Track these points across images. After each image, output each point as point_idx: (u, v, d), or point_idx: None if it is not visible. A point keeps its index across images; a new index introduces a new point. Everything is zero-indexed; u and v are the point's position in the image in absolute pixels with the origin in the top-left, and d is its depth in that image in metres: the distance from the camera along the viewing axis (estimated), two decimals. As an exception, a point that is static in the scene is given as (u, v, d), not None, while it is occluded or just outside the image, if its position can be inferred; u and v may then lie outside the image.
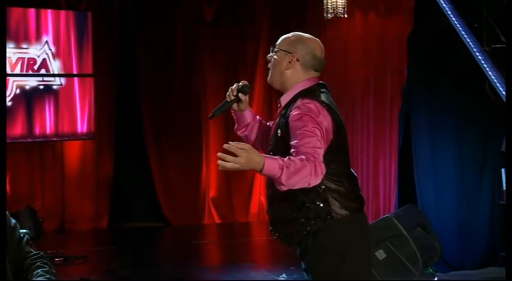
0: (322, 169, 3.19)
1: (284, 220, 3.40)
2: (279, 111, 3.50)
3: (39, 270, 3.48)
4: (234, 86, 3.56)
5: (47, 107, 8.62)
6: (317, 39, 3.53)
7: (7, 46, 8.04)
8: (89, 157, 9.17)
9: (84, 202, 9.11)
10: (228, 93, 3.56)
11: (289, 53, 3.45)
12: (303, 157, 3.16)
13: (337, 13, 7.43)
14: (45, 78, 8.64)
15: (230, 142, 3.13)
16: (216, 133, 9.55)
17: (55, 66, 8.66)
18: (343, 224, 3.34)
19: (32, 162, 8.90)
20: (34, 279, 3.44)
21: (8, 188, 8.30)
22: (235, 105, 3.59)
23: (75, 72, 8.78)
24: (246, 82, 3.57)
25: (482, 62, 6.09)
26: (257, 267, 7.30)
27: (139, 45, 9.33)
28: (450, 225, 6.80)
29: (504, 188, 6.47)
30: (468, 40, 6.22)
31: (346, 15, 7.57)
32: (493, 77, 6.02)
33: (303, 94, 3.38)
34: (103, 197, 9.23)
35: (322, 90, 3.44)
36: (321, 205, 3.31)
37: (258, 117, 3.69)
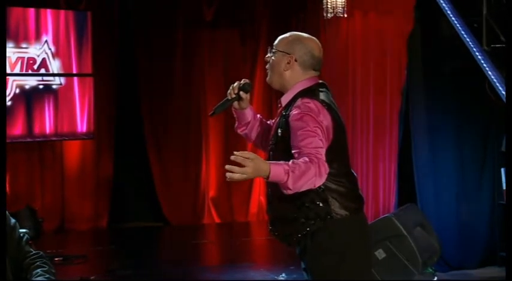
0: (325, 169, 3.20)
1: (284, 219, 3.40)
2: (279, 111, 3.50)
3: (38, 270, 3.47)
4: (236, 84, 3.55)
5: (46, 107, 8.62)
6: (314, 38, 3.52)
7: (7, 46, 8.03)
8: (89, 156, 9.17)
9: (83, 201, 9.11)
10: (229, 91, 3.55)
11: (287, 53, 3.44)
12: (306, 158, 3.16)
13: (336, 13, 7.42)
14: (45, 78, 8.64)
15: (235, 152, 3.11)
16: (216, 133, 9.55)
17: (55, 65, 8.66)
18: (343, 224, 3.34)
19: (31, 162, 8.90)
20: (34, 279, 3.44)
21: (7, 188, 8.30)
22: (236, 104, 3.58)
23: (74, 72, 8.78)
24: (247, 80, 3.56)
25: (482, 61, 6.09)
26: (256, 267, 7.30)
27: (139, 45, 9.33)
28: (450, 225, 6.80)
29: (504, 187, 6.47)
30: (468, 40, 6.22)
31: (345, 15, 7.56)
32: (492, 77, 6.02)
33: (303, 94, 3.38)
34: (103, 197, 9.23)
35: (322, 89, 3.44)
36: (321, 204, 3.31)
37: (258, 115, 3.69)
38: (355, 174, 3.48)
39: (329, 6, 7.40)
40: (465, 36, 6.24)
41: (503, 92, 5.87)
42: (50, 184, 8.97)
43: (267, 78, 3.54)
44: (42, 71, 8.60)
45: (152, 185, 9.44)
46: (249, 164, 3.08)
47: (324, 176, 3.20)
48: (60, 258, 7.26)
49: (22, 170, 8.82)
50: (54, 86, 8.69)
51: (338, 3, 7.39)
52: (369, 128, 7.91)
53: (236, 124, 3.68)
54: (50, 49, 8.60)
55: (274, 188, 3.30)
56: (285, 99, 3.46)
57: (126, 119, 9.37)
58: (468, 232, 6.82)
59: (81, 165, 9.14)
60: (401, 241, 6.09)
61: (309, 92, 3.39)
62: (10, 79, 8.37)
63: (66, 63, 8.71)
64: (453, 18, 6.33)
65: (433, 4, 6.48)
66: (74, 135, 8.85)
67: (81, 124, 8.81)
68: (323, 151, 3.23)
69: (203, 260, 8.01)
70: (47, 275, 3.46)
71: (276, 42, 3.51)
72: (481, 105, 6.73)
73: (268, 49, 3.53)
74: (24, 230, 3.66)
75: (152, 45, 9.37)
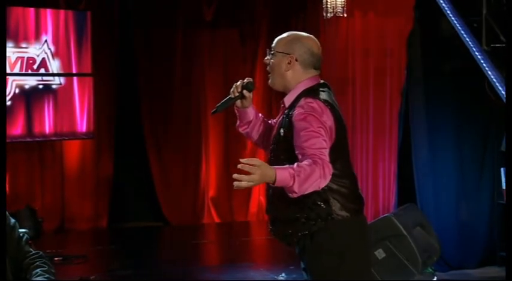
0: (329, 170, 3.20)
1: (284, 219, 3.40)
2: (282, 111, 3.49)
3: (38, 269, 3.48)
4: (239, 82, 3.54)
5: (46, 107, 8.62)
6: (312, 36, 3.52)
7: (7, 45, 8.03)
8: (89, 156, 9.17)
9: (83, 201, 9.11)
10: (232, 89, 3.54)
11: (287, 54, 3.44)
12: (310, 160, 3.16)
13: (336, 13, 7.42)
14: (45, 78, 8.64)
15: (241, 160, 3.11)
16: (216, 133, 9.56)
17: (54, 65, 8.66)
18: (344, 225, 3.34)
19: (31, 162, 8.90)
20: (33, 279, 3.44)
21: (7, 188, 8.30)
22: (238, 102, 3.57)
23: (74, 71, 8.78)
24: (251, 79, 3.55)
25: (482, 61, 6.09)
26: (256, 266, 7.30)
27: (139, 45, 9.33)
28: (449, 224, 6.80)
29: (504, 187, 6.47)
30: (467, 39, 6.22)
31: (345, 15, 7.56)
32: (492, 77, 6.02)
33: (306, 93, 3.38)
34: (102, 197, 9.23)
35: (324, 89, 3.44)
36: (322, 205, 3.31)
37: (260, 115, 3.68)
38: (355, 174, 3.48)
39: (329, 6, 7.41)
40: (465, 36, 6.23)
41: (503, 92, 5.87)
42: (50, 184, 8.97)
43: (269, 81, 3.52)
44: (42, 70, 8.60)
45: (152, 185, 9.44)
46: (256, 172, 3.08)
47: (328, 177, 3.20)
48: (60, 258, 7.26)
49: (22, 170, 8.82)
50: (53, 86, 8.69)
51: (338, 3, 7.39)
52: (368, 128, 7.91)
53: (238, 123, 3.67)
54: (49, 49, 8.60)
55: (274, 188, 3.30)
56: (288, 100, 3.45)
57: (126, 119, 9.37)
58: (468, 231, 6.82)
59: (81, 165, 9.14)
60: (401, 241, 6.09)
61: (311, 92, 3.38)
62: (10, 79, 8.37)
63: (65, 63, 8.71)
64: (453, 18, 6.33)
65: (432, 4, 6.48)
66: (74, 135, 8.85)
67: (81, 124, 8.82)
68: (326, 152, 3.23)
69: (203, 260, 8.01)
70: (47, 275, 3.46)
71: (274, 43, 3.50)
72: (480, 105, 6.73)
73: (267, 51, 3.52)
74: (24, 230, 3.66)
75: (152, 45, 9.37)
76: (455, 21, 6.31)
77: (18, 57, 8.45)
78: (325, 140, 3.24)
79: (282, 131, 3.39)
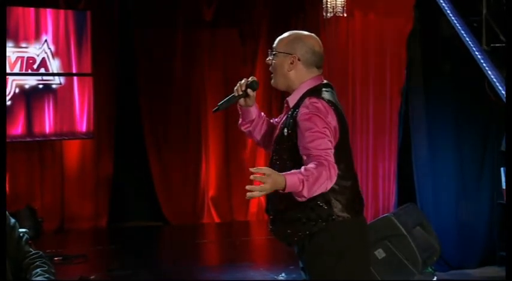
0: (335, 171, 3.20)
1: (285, 219, 3.39)
2: (285, 111, 3.48)
3: (38, 269, 3.48)
4: (243, 81, 3.53)
5: (46, 107, 8.62)
6: (313, 34, 3.51)
7: (7, 45, 8.03)
8: (89, 156, 9.17)
9: (83, 201, 9.11)
10: (236, 87, 3.52)
11: (289, 54, 3.42)
12: (317, 162, 3.16)
13: (336, 12, 7.42)
14: (45, 78, 8.64)
15: (252, 170, 3.13)
16: (216, 133, 9.56)
17: (54, 65, 8.66)
18: (344, 226, 3.34)
19: (31, 161, 8.90)
20: (33, 279, 3.45)
21: (7, 188, 8.30)
22: (242, 101, 3.56)
23: (74, 71, 8.78)
24: (255, 78, 3.54)
25: (482, 61, 6.09)
26: (256, 266, 7.30)
27: (139, 45, 9.33)
28: (449, 224, 6.80)
29: (504, 187, 6.47)
30: (467, 39, 6.22)
31: (345, 15, 7.56)
32: (492, 77, 6.02)
33: (310, 93, 3.37)
34: (102, 197, 9.23)
35: (327, 89, 3.43)
36: (324, 206, 3.31)
37: (262, 114, 3.67)
38: (357, 175, 3.48)
39: (329, 6, 7.40)
40: (465, 35, 6.23)
41: (503, 92, 5.88)
42: (50, 184, 8.97)
43: (272, 82, 3.52)
44: (42, 70, 8.60)
45: (152, 185, 9.44)
46: (268, 181, 3.10)
47: (334, 179, 3.20)
48: (60, 258, 7.26)
49: (22, 170, 8.82)
50: (53, 86, 8.69)
51: (338, 3, 7.39)
52: (368, 128, 7.91)
53: (240, 121, 3.66)
54: (49, 49, 8.60)
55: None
56: (292, 100, 3.44)
57: (126, 119, 9.37)
58: (468, 231, 6.82)
59: (81, 165, 9.14)
60: (401, 241, 6.09)
61: (315, 92, 3.38)
62: (10, 79, 8.38)
63: (65, 63, 8.71)
64: (453, 18, 6.33)
65: (432, 4, 6.48)
66: (74, 135, 8.85)
67: (81, 124, 8.82)
68: (332, 152, 3.23)
69: (203, 260, 8.01)
70: (47, 275, 3.46)
71: (276, 43, 3.49)
72: (480, 105, 6.73)
73: (269, 52, 3.51)
74: (24, 230, 3.66)
75: (152, 45, 9.37)
76: (455, 21, 6.31)
77: (18, 57, 8.46)
78: (330, 141, 3.24)
79: (285, 131, 3.38)
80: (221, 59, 9.59)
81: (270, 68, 3.50)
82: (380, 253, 6.03)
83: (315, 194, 3.18)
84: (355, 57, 8.07)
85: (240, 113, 3.64)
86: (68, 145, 9.06)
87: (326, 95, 3.37)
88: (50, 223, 8.72)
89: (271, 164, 3.45)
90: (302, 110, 3.30)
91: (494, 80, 6.00)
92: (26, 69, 8.53)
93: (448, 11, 6.34)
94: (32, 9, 8.51)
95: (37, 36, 8.54)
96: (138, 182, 9.61)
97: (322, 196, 3.28)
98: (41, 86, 8.64)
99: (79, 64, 8.78)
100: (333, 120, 3.30)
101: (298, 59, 3.42)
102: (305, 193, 3.15)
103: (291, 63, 3.43)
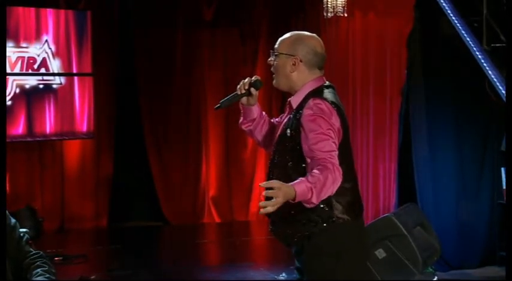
0: (340, 173, 3.20)
1: (285, 220, 3.39)
2: (287, 111, 3.48)
3: (38, 269, 3.47)
4: (247, 79, 3.52)
5: (46, 107, 8.62)
6: (315, 35, 3.51)
7: (7, 45, 8.03)
8: (89, 156, 9.17)
9: (84, 201, 9.11)
10: (239, 86, 3.52)
11: (291, 55, 3.42)
12: (321, 166, 3.16)
13: (336, 12, 7.42)
14: (45, 78, 8.64)
15: (261, 185, 3.13)
16: (216, 133, 9.56)
17: (55, 65, 8.66)
18: (343, 228, 3.35)
19: (31, 161, 8.90)
20: (34, 279, 3.44)
21: (7, 188, 8.30)
22: (244, 99, 3.54)
23: (74, 71, 8.78)
24: (258, 77, 3.53)
25: (482, 61, 6.10)
26: (256, 266, 7.30)
27: (139, 45, 9.33)
28: (450, 224, 6.80)
29: (504, 187, 6.47)
30: (468, 39, 6.23)
31: (345, 15, 7.56)
32: (492, 76, 6.02)
33: (313, 94, 3.37)
34: (103, 197, 9.23)
35: (329, 90, 3.42)
36: (324, 208, 3.31)
37: (264, 113, 3.67)
38: (357, 177, 3.48)
39: (329, 5, 7.40)
40: (465, 35, 6.24)
41: (503, 92, 5.88)
42: (50, 184, 8.97)
43: (274, 82, 3.51)
44: (42, 70, 8.60)
45: (152, 185, 9.45)
46: (279, 195, 3.09)
47: (339, 180, 3.21)
48: (60, 258, 7.26)
49: (22, 170, 8.82)
50: (54, 86, 8.69)
51: (338, 2, 7.39)
52: (368, 128, 7.92)
53: (241, 120, 3.65)
54: (50, 49, 8.60)
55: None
56: (295, 101, 3.43)
57: (126, 119, 9.37)
58: (468, 231, 6.82)
59: (81, 165, 9.14)
60: (402, 241, 6.09)
61: (318, 93, 3.37)
62: (10, 79, 8.38)
63: (66, 63, 8.72)
64: (453, 18, 6.33)
65: (432, 3, 6.48)
66: (74, 135, 8.85)
67: (81, 124, 8.82)
68: (336, 154, 3.22)
69: (203, 260, 8.00)
70: (47, 275, 3.46)
71: (277, 44, 3.48)
72: (480, 105, 6.73)
73: (270, 53, 3.50)
74: (24, 230, 3.66)
75: (152, 45, 9.37)
76: (456, 21, 6.31)
77: (18, 57, 8.46)
78: (334, 143, 3.24)
79: (288, 131, 3.37)
80: (221, 59, 9.60)
81: (272, 69, 3.49)
82: (380, 253, 6.03)
83: (322, 199, 3.19)
84: (355, 57, 8.08)
85: (241, 111, 3.63)
86: (68, 145, 9.07)
87: (329, 96, 3.37)
88: (50, 222, 8.72)
89: (272, 164, 3.45)
90: (306, 112, 3.29)
91: (495, 80, 6.00)
92: (27, 69, 8.53)
93: (449, 11, 6.35)
94: (32, 9, 8.51)
95: (37, 36, 8.54)
96: (138, 182, 9.61)
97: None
98: (41, 86, 8.64)
99: (79, 64, 8.78)
100: (336, 121, 3.30)
101: (300, 61, 3.42)
102: (314, 199, 3.15)
103: (293, 64, 3.42)
